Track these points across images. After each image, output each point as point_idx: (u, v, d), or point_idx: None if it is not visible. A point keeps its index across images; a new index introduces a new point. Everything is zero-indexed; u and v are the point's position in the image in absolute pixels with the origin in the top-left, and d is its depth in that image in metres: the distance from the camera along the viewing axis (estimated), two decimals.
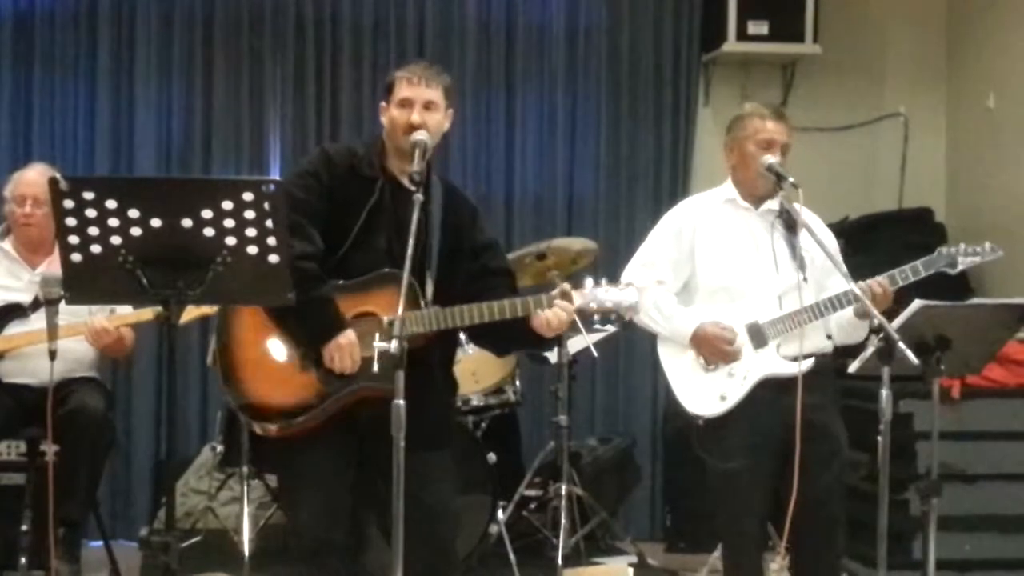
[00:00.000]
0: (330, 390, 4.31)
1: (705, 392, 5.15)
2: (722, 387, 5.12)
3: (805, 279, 5.10)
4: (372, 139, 4.62)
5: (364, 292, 4.29)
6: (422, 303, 4.32)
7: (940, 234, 8.17)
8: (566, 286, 4.28)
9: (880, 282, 4.92)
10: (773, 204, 5.17)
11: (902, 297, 4.98)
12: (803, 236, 5.15)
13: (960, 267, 5.10)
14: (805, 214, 5.25)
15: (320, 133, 8.01)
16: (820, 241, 4.94)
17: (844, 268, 4.96)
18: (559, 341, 6.97)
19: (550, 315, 4.23)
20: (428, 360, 4.41)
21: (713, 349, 5.09)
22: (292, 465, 4.49)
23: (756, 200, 5.16)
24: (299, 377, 4.35)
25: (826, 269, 5.10)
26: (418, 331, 4.25)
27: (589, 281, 4.31)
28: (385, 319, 4.25)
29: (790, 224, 5.16)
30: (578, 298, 4.26)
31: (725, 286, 5.15)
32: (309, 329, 4.32)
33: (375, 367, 4.07)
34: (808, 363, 5.05)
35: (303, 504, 4.44)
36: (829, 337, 5.17)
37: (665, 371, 5.26)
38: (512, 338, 4.48)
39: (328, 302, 4.30)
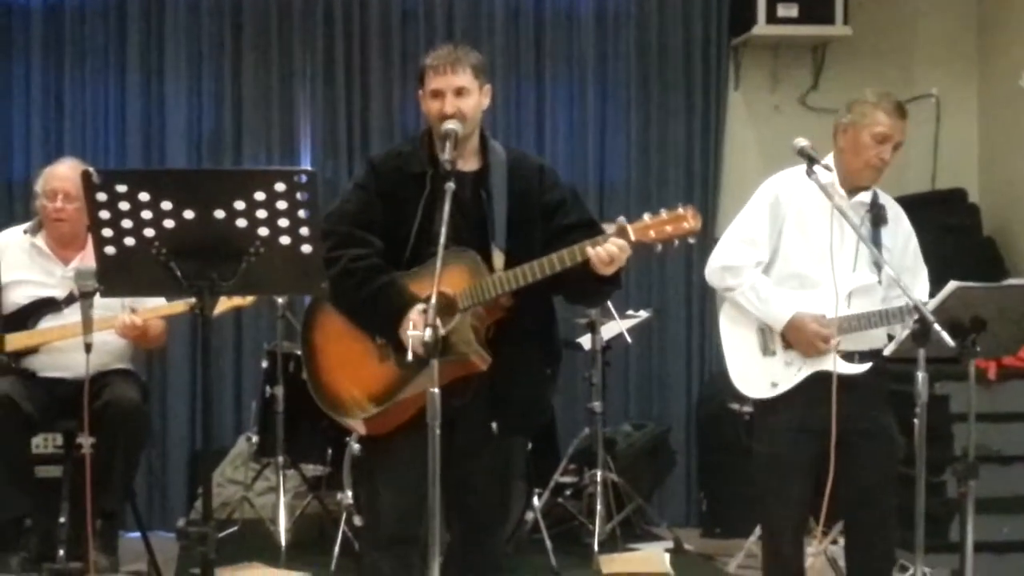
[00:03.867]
0: (409, 374, 4.26)
1: (758, 375, 5.15)
2: (776, 374, 5.12)
3: (879, 281, 5.10)
4: (420, 133, 4.59)
5: (431, 274, 4.27)
6: (486, 275, 4.29)
7: (973, 214, 8.13)
8: (622, 220, 4.20)
9: None
10: (865, 196, 5.15)
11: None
12: (886, 232, 5.14)
13: None
14: (895, 210, 5.25)
15: (350, 122, 8.02)
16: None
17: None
18: (592, 328, 6.98)
19: (600, 251, 4.12)
20: (518, 330, 4.39)
21: (808, 343, 5.06)
22: (381, 456, 4.50)
23: (852, 190, 5.11)
24: (379, 368, 4.36)
25: (902, 267, 5.10)
26: (472, 303, 4.25)
27: (646, 215, 4.24)
28: (419, 306, 4.22)
29: (877, 220, 5.14)
30: (634, 232, 4.18)
31: (799, 273, 5.12)
32: (377, 320, 4.34)
33: (408, 356, 4.07)
34: (865, 365, 5.06)
35: (389, 496, 4.44)
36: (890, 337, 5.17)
37: (724, 348, 5.25)
38: (584, 285, 4.35)
39: (388, 287, 4.30)
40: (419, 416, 3.98)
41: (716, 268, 5.25)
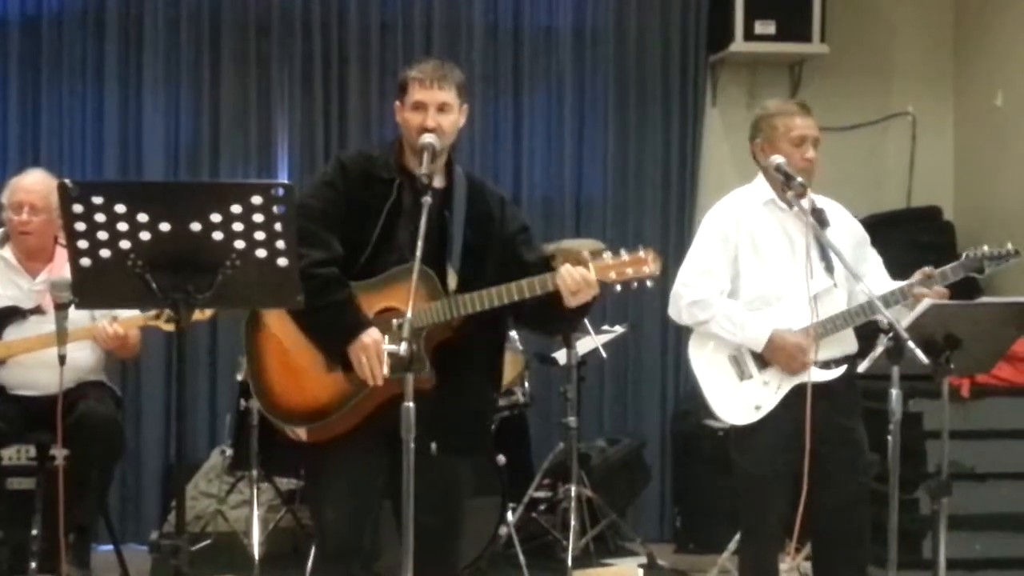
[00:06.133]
0: (356, 388, 4.28)
1: (740, 401, 5.18)
2: (757, 397, 5.14)
3: (835, 284, 5.13)
4: (391, 140, 4.59)
5: (385, 288, 4.28)
6: (441, 295, 4.30)
7: (949, 232, 8.18)
8: (585, 254, 4.23)
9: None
10: (804, 203, 5.18)
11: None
12: (832, 233, 5.16)
13: (987, 271, 5.10)
14: (832, 207, 5.27)
15: (328, 135, 8.02)
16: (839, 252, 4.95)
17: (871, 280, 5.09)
18: (567, 342, 6.98)
19: (569, 279, 4.16)
20: (465, 352, 4.40)
21: (789, 358, 5.09)
22: (323, 469, 4.49)
23: (791, 199, 5.14)
24: (325, 378, 4.34)
25: (857, 259, 5.16)
26: (432, 322, 4.26)
27: (607, 254, 4.25)
28: (395, 321, 4.23)
29: (821, 223, 5.17)
30: (595, 271, 4.18)
31: (763, 294, 5.17)
32: (328, 335, 4.32)
33: (385, 370, 4.09)
34: (840, 369, 5.09)
35: (331, 508, 4.43)
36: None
37: (698, 379, 5.26)
38: (548, 317, 4.41)
39: (345, 305, 4.29)
40: (359, 428, 4.00)
41: (683, 306, 5.26)
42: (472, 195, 4.51)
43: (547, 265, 4.39)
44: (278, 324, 4.43)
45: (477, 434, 4.62)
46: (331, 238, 4.36)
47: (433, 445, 4.37)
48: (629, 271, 4.23)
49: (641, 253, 4.24)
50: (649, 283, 4.26)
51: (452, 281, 4.34)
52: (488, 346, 4.53)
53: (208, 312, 5.77)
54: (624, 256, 4.24)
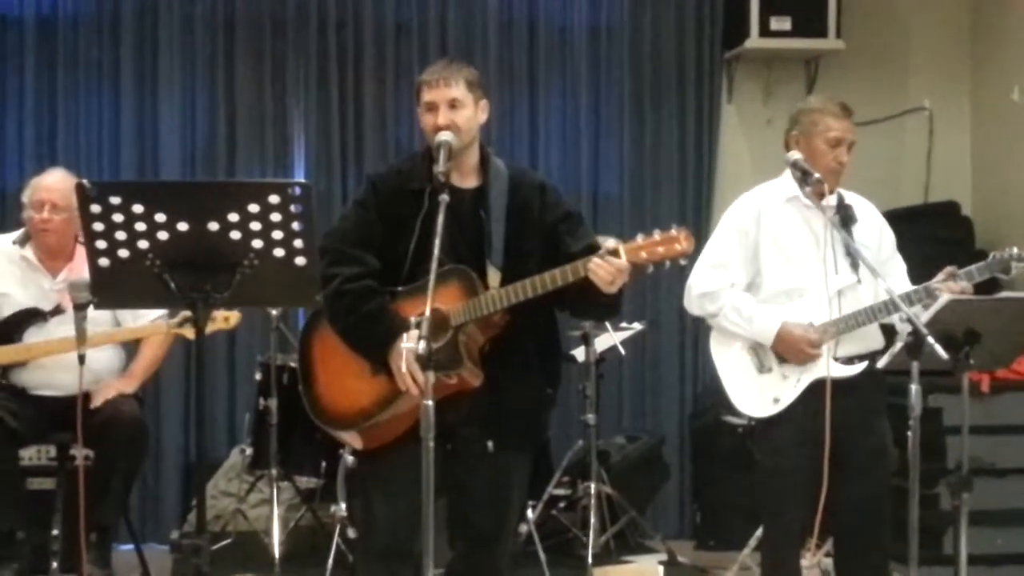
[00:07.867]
0: (399, 390, 4.29)
1: (759, 394, 5.18)
2: (776, 390, 5.14)
3: (859, 280, 5.11)
4: (422, 149, 4.56)
5: (425, 292, 4.27)
6: (481, 292, 4.30)
7: (967, 227, 8.15)
8: (613, 241, 4.18)
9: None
10: (831, 199, 5.18)
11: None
12: (858, 230, 5.16)
13: (1014, 272, 5.06)
14: (864, 207, 5.26)
15: (344, 134, 8.03)
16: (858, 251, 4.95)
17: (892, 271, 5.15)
18: (586, 340, 6.97)
19: (602, 273, 4.10)
20: (517, 348, 4.40)
21: (797, 351, 5.10)
22: (376, 467, 4.50)
23: (817, 196, 5.13)
24: (372, 382, 4.36)
25: (881, 260, 5.17)
26: (465, 320, 4.26)
27: (640, 236, 4.22)
28: (412, 320, 4.22)
29: (846, 220, 5.17)
30: (626, 253, 4.14)
31: (786, 289, 5.16)
32: (366, 346, 4.35)
33: (402, 365, 4.08)
34: (862, 366, 5.07)
35: (383, 507, 4.44)
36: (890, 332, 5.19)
37: (718, 371, 5.28)
38: (589, 304, 4.37)
39: (378, 314, 4.31)
40: (414, 429, 3.98)
41: (694, 298, 5.30)
42: (513, 188, 4.49)
43: (593, 250, 4.29)
44: (328, 333, 4.46)
45: (533, 430, 4.63)
46: (363, 254, 4.39)
47: (490, 443, 4.39)
48: (660, 250, 4.15)
49: (673, 231, 4.16)
50: (683, 261, 4.20)
51: (494, 278, 4.34)
52: (540, 340, 4.52)
53: (233, 321, 5.83)
54: (656, 235, 4.17)
